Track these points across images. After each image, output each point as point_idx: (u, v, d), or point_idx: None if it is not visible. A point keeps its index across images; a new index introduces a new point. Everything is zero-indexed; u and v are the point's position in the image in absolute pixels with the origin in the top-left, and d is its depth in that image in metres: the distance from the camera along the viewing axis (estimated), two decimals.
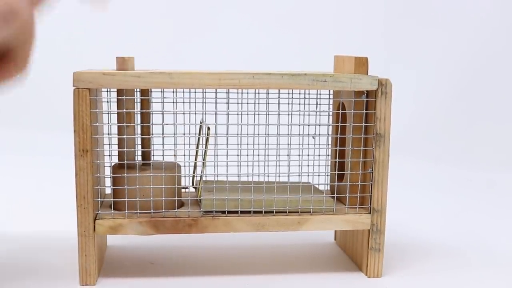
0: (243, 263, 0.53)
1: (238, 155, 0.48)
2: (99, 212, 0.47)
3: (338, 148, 0.50)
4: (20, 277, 0.48)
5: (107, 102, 0.47)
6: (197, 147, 0.52)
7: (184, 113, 0.48)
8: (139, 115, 0.50)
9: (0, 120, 1.10)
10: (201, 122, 0.51)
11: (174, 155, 0.48)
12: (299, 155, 0.50)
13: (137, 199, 0.47)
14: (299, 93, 0.50)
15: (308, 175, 0.51)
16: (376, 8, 1.27)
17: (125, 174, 0.47)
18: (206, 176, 0.50)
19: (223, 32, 1.24)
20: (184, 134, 0.49)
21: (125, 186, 0.47)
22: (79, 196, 0.45)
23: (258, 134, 0.50)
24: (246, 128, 0.49)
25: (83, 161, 0.44)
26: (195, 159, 0.53)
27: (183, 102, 0.50)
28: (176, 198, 0.48)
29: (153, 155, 0.51)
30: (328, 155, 0.53)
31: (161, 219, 0.47)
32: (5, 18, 0.32)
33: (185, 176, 0.52)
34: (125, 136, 0.48)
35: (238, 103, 0.48)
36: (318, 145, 0.52)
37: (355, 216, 0.49)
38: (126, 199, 0.47)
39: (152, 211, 0.47)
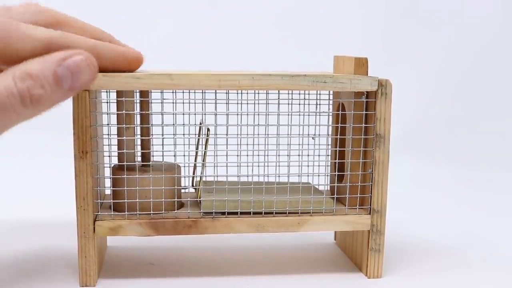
0: (243, 264, 0.53)
1: (237, 155, 0.48)
2: (99, 213, 0.47)
3: (338, 148, 0.50)
4: (19, 279, 0.48)
5: (107, 103, 0.47)
6: (197, 148, 0.52)
7: (183, 114, 0.48)
8: (138, 116, 0.50)
9: None
10: (200, 123, 0.51)
11: (174, 156, 0.48)
12: (299, 155, 0.50)
13: (137, 200, 0.47)
14: (299, 94, 0.50)
15: (308, 176, 0.51)
16: (376, 8, 1.27)
17: (125, 176, 0.47)
18: (206, 177, 0.50)
19: (222, 33, 1.24)
20: (183, 135, 0.49)
21: (125, 187, 0.47)
22: (78, 198, 0.45)
23: (258, 134, 0.50)
24: (246, 129, 0.49)
25: (83, 163, 0.44)
26: (195, 160, 0.53)
27: (183, 103, 0.50)
28: (176, 199, 0.48)
29: (152, 156, 0.51)
30: (328, 155, 0.53)
31: (161, 220, 0.47)
32: None
33: (184, 177, 0.52)
34: (124, 137, 0.48)
35: (237, 104, 0.48)
36: (318, 146, 0.51)
37: (355, 217, 0.49)
38: (125, 200, 0.47)
39: (151, 212, 0.47)
